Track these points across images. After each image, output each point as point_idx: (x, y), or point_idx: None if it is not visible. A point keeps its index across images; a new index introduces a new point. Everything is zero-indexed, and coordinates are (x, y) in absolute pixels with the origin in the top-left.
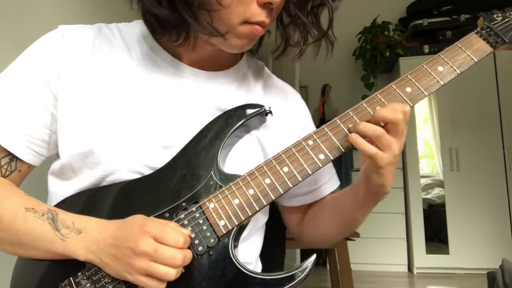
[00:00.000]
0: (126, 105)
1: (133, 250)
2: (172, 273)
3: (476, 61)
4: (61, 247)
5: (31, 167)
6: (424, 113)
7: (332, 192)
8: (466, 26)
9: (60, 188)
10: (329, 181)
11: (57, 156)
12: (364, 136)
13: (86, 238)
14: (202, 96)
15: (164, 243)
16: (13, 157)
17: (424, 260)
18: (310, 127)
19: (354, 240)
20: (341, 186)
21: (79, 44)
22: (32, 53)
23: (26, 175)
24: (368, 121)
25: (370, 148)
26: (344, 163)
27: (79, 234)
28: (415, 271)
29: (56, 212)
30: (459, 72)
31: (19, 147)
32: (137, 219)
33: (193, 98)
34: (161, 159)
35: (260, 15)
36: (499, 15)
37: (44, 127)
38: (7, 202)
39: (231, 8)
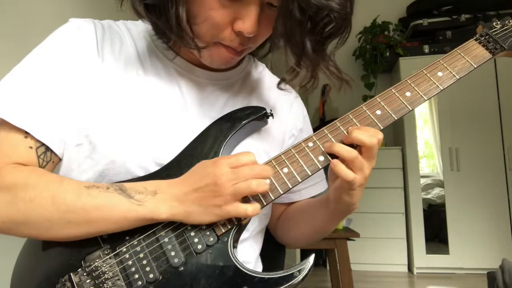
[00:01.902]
0: (133, 100)
1: (214, 182)
2: (254, 184)
3: (475, 67)
4: (139, 213)
5: (59, 159)
6: (424, 113)
7: (316, 196)
8: (466, 26)
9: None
10: (315, 184)
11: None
12: (339, 157)
13: (164, 196)
14: (207, 94)
15: (241, 164)
16: (47, 147)
17: (424, 260)
18: (308, 129)
19: (354, 240)
20: None
21: (92, 37)
22: (53, 46)
23: (55, 167)
24: (342, 141)
25: (350, 175)
26: None
27: (155, 195)
28: (415, 271)
29: (121, 184)
30: (458, 78)
31: (51, 139)
32: (205, 161)
33: (199, 96)
34: (166, 156)
35: (234, 41)
36: (498, 22)
37: (69, 117)
38: (64, 183)
39: (205, 28)
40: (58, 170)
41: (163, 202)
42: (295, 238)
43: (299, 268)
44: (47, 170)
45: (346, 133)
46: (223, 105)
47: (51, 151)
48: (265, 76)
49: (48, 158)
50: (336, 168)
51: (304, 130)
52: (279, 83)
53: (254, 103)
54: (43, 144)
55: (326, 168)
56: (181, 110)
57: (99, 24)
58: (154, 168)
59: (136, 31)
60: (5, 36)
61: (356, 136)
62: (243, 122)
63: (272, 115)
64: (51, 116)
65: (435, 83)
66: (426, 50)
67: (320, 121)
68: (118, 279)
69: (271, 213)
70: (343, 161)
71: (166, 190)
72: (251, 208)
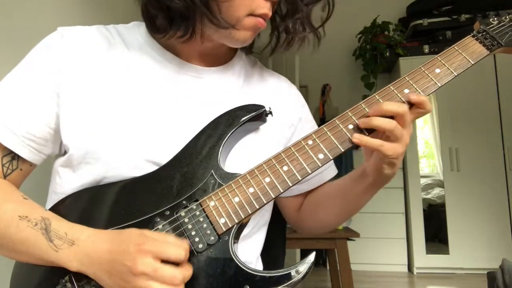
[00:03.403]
0: (128, 102)
1: (130, 269)
2: None
3: (473, 63)
4: (54, 258)
5: (32, 166)
6: None
7: (330, 180)
8: (466, 26)
9: (69, 181)
10: (325, 170)
11: (60, 153)
12: (376, 130)
13: (79, 250)
14: (203, 91)
15: (166, 258)
16: (14, 155)
17: (424, 260)
18: (307, 117)
19: (354, 240)
20: None
21: (78, 43)
22: (33, 55)
23: (28, 174)
24: (357, 127)
25: (375, 142)
26: (344, 163)
27: (71, 246)
28: (415, 271)
29: (50, 220)
30: (455, 74)
31: (19, 145)
32: (134, 235)
33: (195, 93)
34: (164, 155)
35: (265, 8)
36: (495, 19)
37: (46, 125)
38: (2, 208)
39: (239, 2)
40: (56, 176)
41: (75, 256)
42: (324, 221)
43: (299, 267)
44: (13, 177)
45: (345, 130)
46: (219, 101)
47: (19, 159)
48: (258, 68)
49: (14, 166)
50: (361, 142)
51: (303, 119)
52: (278, 32)
53: (250, 97)
54: (10, 152)
55: (336, 165)
56: (175, 109)
57: (87, 30)
58: (151, 168)
59: (127, 34)
60: (5, 38)
61: (388, 108)
62: (242, 120)
63: (271, 113)
64: (17, 124)
65: (432, 80)
66: (426, 50)
67: (320, 121)
68: None
69: (288, 208)
70: (381, 134)
71: (83, 244)
72: None
